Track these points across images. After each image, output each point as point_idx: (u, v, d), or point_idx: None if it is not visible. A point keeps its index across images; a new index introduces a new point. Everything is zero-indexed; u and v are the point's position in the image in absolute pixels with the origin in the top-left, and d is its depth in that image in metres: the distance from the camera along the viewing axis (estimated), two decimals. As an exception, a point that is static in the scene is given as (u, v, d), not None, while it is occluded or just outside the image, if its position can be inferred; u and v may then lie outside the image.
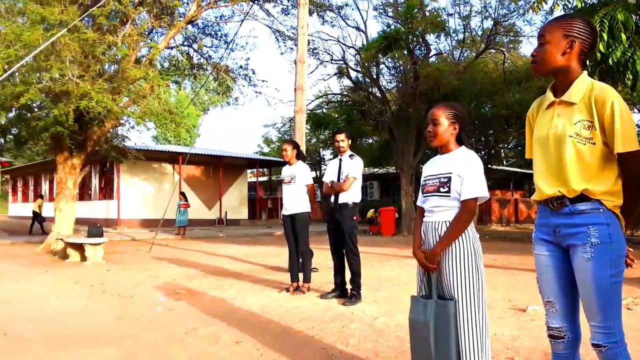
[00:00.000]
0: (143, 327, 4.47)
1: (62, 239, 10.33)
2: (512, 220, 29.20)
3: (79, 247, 9.60)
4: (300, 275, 6.12)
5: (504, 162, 31.87)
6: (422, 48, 19.76)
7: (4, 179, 32.83)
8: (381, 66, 20.27)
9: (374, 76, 20.08)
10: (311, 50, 18.65)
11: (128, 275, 7.72)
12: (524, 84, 19.19)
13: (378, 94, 20.28)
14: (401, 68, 19.84)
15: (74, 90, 9.05)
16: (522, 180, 32.54)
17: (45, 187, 28.51)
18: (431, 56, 20.01)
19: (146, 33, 11.93)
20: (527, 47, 28.30)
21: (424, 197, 2.67)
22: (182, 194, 18.20)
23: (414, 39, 18.90)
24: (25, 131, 11.82)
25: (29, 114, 11.03)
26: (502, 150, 27.11)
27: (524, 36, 19.72)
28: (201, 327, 4.42)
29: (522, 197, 31.53)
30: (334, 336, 4.10)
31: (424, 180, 2.69)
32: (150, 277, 7.51)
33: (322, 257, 8.34)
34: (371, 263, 8.98)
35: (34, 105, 10.83)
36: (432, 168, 2.68)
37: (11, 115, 11.27)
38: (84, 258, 9.38)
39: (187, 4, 12.60)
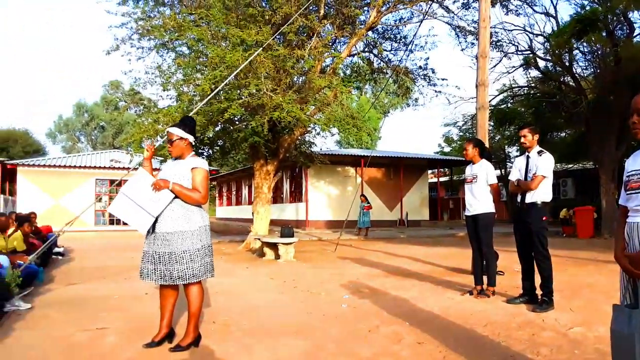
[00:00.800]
0: (330, 322, 4.73)
1: (259, 239, 11.44)
2: None
3: (274, 246, 10.54)
4: (485, 279, 5.89)
5: None
6: (624, 27, 17.39)
7: (212, 185, 37.46)
8: (575, 52, 18.37)
9: (567, 64, 18.29)
10: (494, 42, 17.62)
11: (316, 273, 8.24)
12: None
13: (571, 83, 18.42)
14: (599, 52, 17.74)
15: (268, 103, 9.93)
16: None
17: (244, 192, 31.81)
18: (635, 36, 17.51)
19: (330, 44, 12.56)
20: None
21: (628, 194, 2.39)
22: (364, 196, 18.71)
23: (614, 18, 16.74)
24: (228, 142, 13.34)
25: (231, 127, 12.40)
26: None
27: None
28: (383, 325, 4.53)
29: None
30: (522, 344, 3.86)
31: (628, 176, 2.40)
32: (336, 275, 7.91)
33: (509, 260, 7.93)
34: (565, 268, 8.22)
35: (236, 119, 12.13)
36: (637, 162, 2.38)
37: (217, 128, 12.77)
38: (277, 256, 10.26)
39: (367, 11, 12.90)
